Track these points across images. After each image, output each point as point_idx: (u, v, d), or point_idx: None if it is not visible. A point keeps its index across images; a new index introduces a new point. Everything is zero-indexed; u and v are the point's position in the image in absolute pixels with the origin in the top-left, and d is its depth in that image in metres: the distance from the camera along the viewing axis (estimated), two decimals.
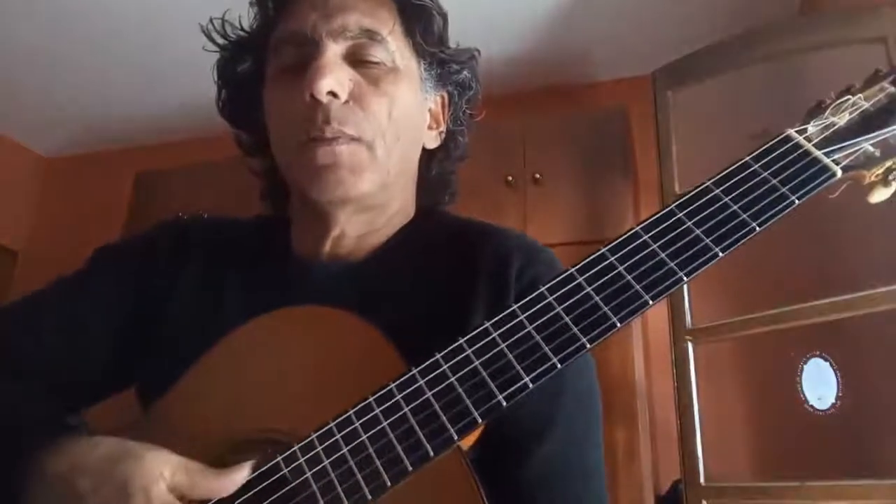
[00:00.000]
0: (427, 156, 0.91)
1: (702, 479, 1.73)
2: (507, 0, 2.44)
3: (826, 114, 0.67)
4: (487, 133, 2.50)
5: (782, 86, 2.23)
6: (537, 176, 2.38)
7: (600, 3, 2.46)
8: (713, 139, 2.21)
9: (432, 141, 0.90)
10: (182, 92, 2.97)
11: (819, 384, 1.72)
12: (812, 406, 1.71)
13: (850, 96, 0.68)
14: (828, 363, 1.73)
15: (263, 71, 0.84)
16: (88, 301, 0.82)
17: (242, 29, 0.87)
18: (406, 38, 0.83)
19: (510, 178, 2.39)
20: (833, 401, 1.69)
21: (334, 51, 0.77)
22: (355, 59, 0.79)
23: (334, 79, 0.75)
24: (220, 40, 0.87)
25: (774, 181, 0.63)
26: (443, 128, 0.91)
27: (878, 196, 0.68)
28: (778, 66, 2.09)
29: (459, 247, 0.82)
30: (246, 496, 0.59)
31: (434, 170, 0.93)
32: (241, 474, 0.59)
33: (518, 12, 2.51)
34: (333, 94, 0.75)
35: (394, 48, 0.81)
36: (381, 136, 0.78)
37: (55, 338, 0.79)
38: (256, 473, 0.60)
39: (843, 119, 0.66)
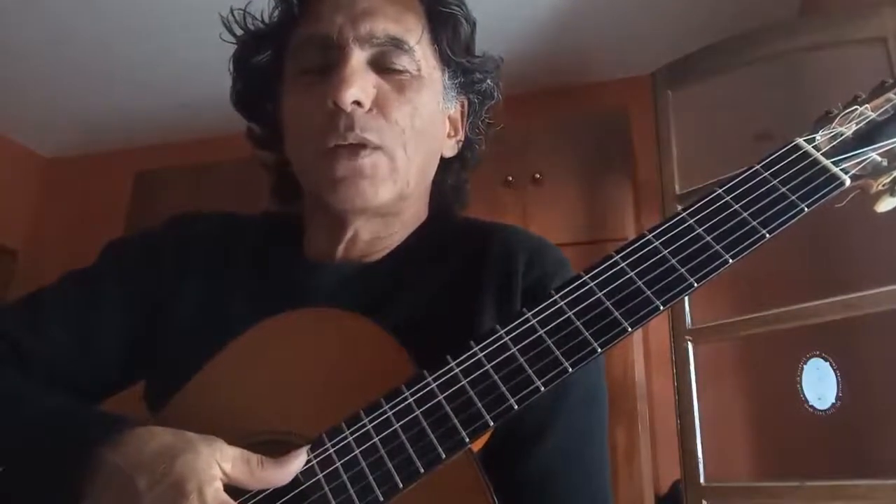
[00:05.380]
0: (443, 164, 0.90)
1: (702, 479, 1.73)
2: (507, 0, 2.44)
3: (833, 123, 0.68)
4: (487, 133, 2.51)
5: (782, 86, 2.24)
6: (537, 176, 2.38)
7: (600, 3, 2.46)
8: (713, 139, 2.22)
9: (450, 150, 0.89)
10: (182, 92, 2.96)
11: (819, 384, 1.72)
12: (812, 406, 1.71)
13: (856, 106, 0.68)
14: (828, 363, 1.73)
15: (281, 66, 0.83)
16: (97, 298, 0.82)
17: (263, 21, 0.85)
18: (432, 46, 0.82)
19: (510, 178, 2.39)
20: (833, 401, 1.69)
21: (359, 58, 0.76)
22: (380, 65, 0.78)
23: (359, 88, 0.74)
24: (239, 31, 0.85)
25: (784, 189, 0.64)
26: (461, 136, 0.90)
27: (885, 205, 0.69)
28: (778, 66, 2.09)
29: (466, 246, 0.82)
30: (258, 497, 0.59)
31: (450, 180, 0.92)
32: (300, 461, 0.59)
33: (518, 12, 2.51)
34: (357, 103, 0.74)
35: (419, 56, 0.80)
36: (402, 145, 0.78)
37: (63, 335, 0.79)
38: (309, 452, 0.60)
39: (850, 129, 0.67)
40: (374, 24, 0.77)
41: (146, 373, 0.84)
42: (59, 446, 0.62)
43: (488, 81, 0.89)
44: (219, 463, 0.57)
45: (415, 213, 0.87)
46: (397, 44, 0.78)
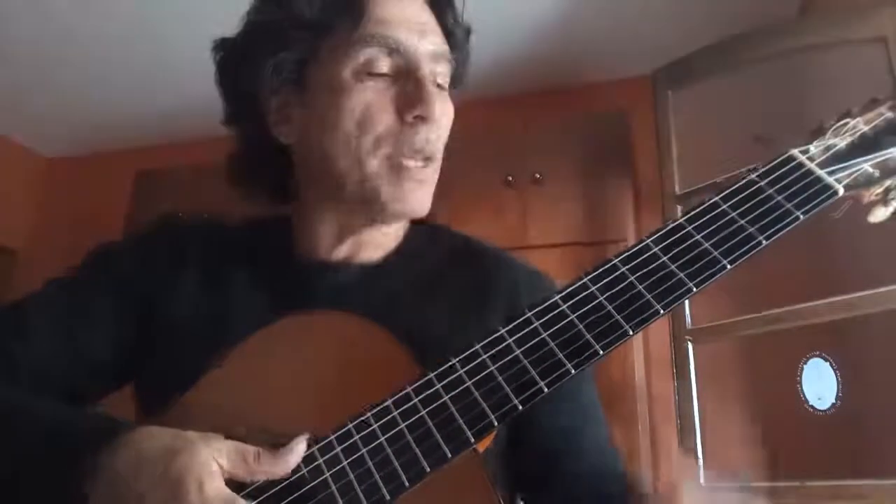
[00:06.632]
0: None
1: (702, 480, 1.73)
2: (507, 1, 2.44)
3: (827, 135, 0.70)
4: (487, 133, 2.52)
5: (782, 86, 2.24)
6: (537, 176, 2.38)
7: (600, 3, 2.46)
8: (713, 139, 2.22)
9: None
10: (182, 92, 2.96)
11: (819, 384, 1.72)
12: (812, 406, 1.72)
13: (849, 119, 0.71)
14: (828, 363, 1.73)
15: (308, 57, 0.82)
16: (85, 305, 0.82)
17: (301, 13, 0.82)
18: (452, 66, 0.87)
19: (510, 178, 2.40)
20: (833, 401, 1.69)
21: (433, 74, 0.81)
22: (434, 83, 0.82)
23: (440, 106, 0.79)
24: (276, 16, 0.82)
25: (779, 198, 0.66)
26: None
27: (878, 215, 0.72)
28: (778, 66, 2.09)
29: (473, 268, 0.87)
30: (265, 496, 0.60)
31: None
32: (298, 451, 0.59)
33: (518, 13, 2.51)
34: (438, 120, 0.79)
35: (449, 74, 0.85)
36: (441, 155, 0.83)
37: (50, 342, 0.79)
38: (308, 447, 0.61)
39: (843, 141, 0.69)
40: (436, 40, 0.82)
41: (139, 376, 0.84)
42: (59, 453, 0.62)
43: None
44: (216, 459, 0.57)
45: None
46: (447, 58, 0.83)
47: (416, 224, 0.92)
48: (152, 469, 0.57)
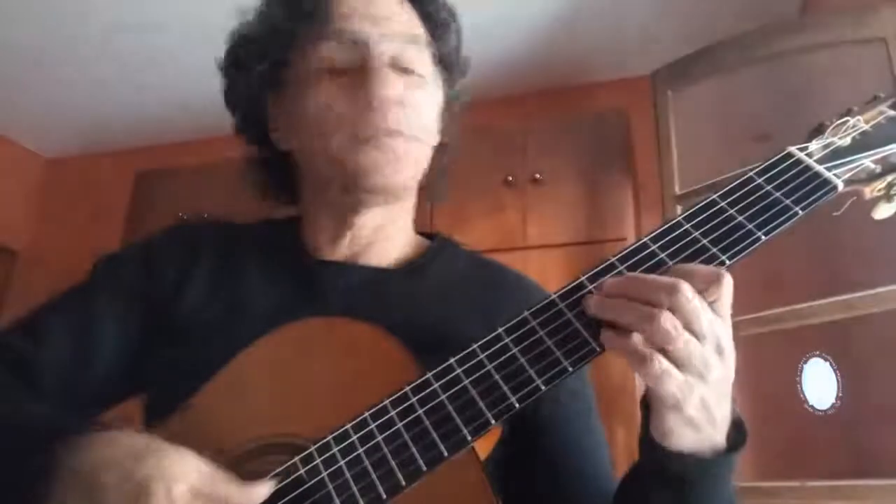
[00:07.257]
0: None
1: None
2: (507, 1, 2.44)
3: (826, 134, 0.70)
4: (487, 133, 2.52)
5: (782, 86, 2.24)
6: (537, 176, 2.38)
7: (601, 3, 2.46)
8: (713, 139, 2.22)
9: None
10: (182, 93, 2.97)
11: (819, 384, 1.72)
12: (812, 406, 1.71)
13: (849, 118, 0.70)
14: (828, 363, 1.73)
15: (283, 62, 0.85)
16: (92, 312, 0.82)
17: (273, 21, 0.86)
18: (431, 50, 0.88)
19: (510, 178, 2.40)
20: (833, 401, 1.69)
21: (387, 58, 0.82)
22: (398, 67, 0.83)
23: (392, 86, 0.80)
24: (253, 28, 0.87)
25: (778, 194, 0.65)
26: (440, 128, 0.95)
27: (883, 212, 0.71)
28: (778, 66, 2.09)
29: (484, 278, 0.90)
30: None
31: (436, 169, 0.96)
32: (264, 489, 0.58)
33: (519, 13, 2.52)
34: (391, 101, 0.80)
35: (427, 57, 0.86)
36: (419, 134, 0.83)
37: (63, 350, 0.80)
38: (278, 482, 0.60)
39: (843, 139, 0.69)
40: (393, 25, 0.83)
41: (149, 376, 0.84)
42: (16, 451, 0.62)
43: (462, 80, 0.96)
44: (184, 470, 0.56)
45: (411, 205, 0.92)
46: (415, 40, 0.85)
47: (428, 236, 0.94)
48: (120, 466, 0.56)
